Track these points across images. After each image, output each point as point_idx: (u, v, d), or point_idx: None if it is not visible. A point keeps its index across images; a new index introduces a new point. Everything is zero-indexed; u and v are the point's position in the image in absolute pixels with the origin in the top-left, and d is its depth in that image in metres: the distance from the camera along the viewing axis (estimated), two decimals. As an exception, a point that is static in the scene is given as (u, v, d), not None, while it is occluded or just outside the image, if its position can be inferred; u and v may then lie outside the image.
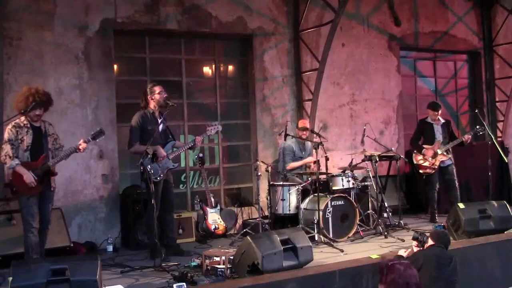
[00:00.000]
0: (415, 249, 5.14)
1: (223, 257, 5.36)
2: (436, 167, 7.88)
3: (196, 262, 5.72)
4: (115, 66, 7.53)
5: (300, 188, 7.05)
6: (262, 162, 7.51)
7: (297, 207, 6.99)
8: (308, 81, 8.57)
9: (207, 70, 8.42)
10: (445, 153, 7.91)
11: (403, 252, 5.31)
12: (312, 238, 6.32)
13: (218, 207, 7.24)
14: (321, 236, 6.61)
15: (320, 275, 5.13)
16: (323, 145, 6.96)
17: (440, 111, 8.13)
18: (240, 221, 7.88)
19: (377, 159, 7.57)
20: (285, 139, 7.67)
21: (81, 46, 7.13)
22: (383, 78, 9.46)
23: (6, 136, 5.36)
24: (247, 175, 8.45)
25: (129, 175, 7.58)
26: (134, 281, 5.33)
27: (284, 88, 8.57)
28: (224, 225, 7.19)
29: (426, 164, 7.90)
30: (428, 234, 5.20)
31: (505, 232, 6.56)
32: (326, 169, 7.21)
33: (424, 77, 10.41)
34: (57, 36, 6.98)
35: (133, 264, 5.95)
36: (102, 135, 5.72)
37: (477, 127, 8.01)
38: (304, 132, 7.68)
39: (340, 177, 7.16)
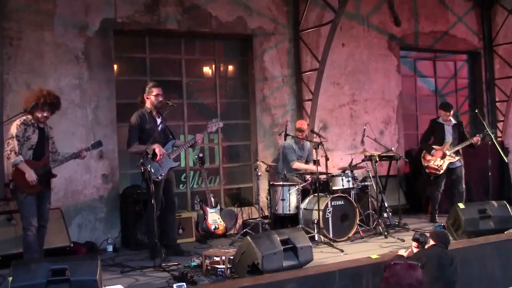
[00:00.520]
0: (415, 250, 5.15)
1: (223, 257, 5.36)
2: (443, 170, 7.84)
3: (196, 262, 5.72)
4: (115, 66, 7.53)
5: (300, 188, 7.05)
6: (262, 162, 7.51)
7: (297, 207, 6.99)
8: (308, 81, 8.57)
9: (207, 70, 8.42)
10: (453, 155, 7.87)
11: (403, 252, 5.32)
12: (312, 238, 6.32)
13: (218, 207, 7.24)
14: (321, 236, 6.61)
15: (320, 275, 5.13)
16: (323, 145, 6.95)
17: (452, 112, 8.09)
18: (240, 221, 7.88)
19: (377, 159, 7.57)
20: (285, 139, 7.67)
21: (81, 46, 7.13)
22: (383, 78, 9.46)
23: (14, 131, 5.37)
24: (247, 175, 8.45)
25: (129, 175, 7.58)
26: (134, 281, 5.33)
27: (284, 88, 8.57)
28: (224, 225, 7.19)
29: (434, 166, 7.85)
30: (428, 235, 5.21)
31: (505, 232, 6.57)
32: (326, 169, 7.21)
33: (424, 77, 10.41)
34: (57, 36, 6.98)
35: (133, 264, 5.95)
36: (99, 147, 5.95)
37: (486, 130, 7.90)
38: (300, 133, 7.68)
39: (340, 177, 7.16)
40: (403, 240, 6.55)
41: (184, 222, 7.26)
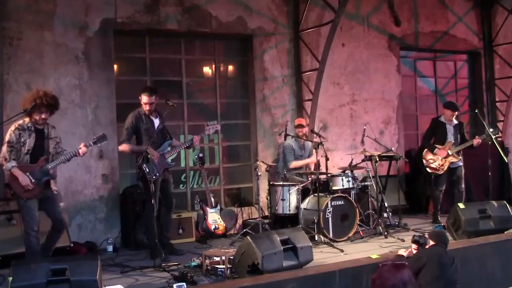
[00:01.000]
0: (414, 252, 5.15)
1: (223, 257, 5.36)
2: (445, 169, 7.83)
3: (196, 262, 5.72)
4: (115, 66, 7.53)
5: (300, 188, 7.05)
6: (262, 162, 7.51)
7: (297, 207, 6.99)
8: (308, 81, 8.57)
9: (207, 70, 8.42)
10: (455, 155, 7.86)
11: (403, 252, 5.33)
12: (312, 238, 6.32)
13: (218, 207, 7.24)
14: (321, 236, 6.60)
15: (320, 275, 5.13)
16: (323, 145, 6.96)
17: (457, 112, 8.06)
18: (240, 221, 7.88)
19: (377, 159, 7.57)
20: (285, 139, 7.69)
21: (81, 46, 7.13)
22: (383, 78, 9.46)
23: (7, 137, 5.30)
24: (247, 175, 8.45)
25: (129, 175, 7.58)
26: (134, 281, 5.33)
27: (284, 88, 8.57)
28: (224, 225, 7.19)
29: (435, 165, 7.84)
30: (427, 235, 5.21)
31: (505, 232, 6.57)
32: (326, 169, 7.21)
33: (424, 77, 10.41)
34: (57, 36, 6.98)
35: (133, 264, 5.95)
36: (104, 140, 5.64)
37: (491, 130, 7.86)
38: (300, 129, 7.68)
39: (340, 177, 7.16)
40: (403, 240, 6.55)
41: (184, 222, 7.26)
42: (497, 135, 7.89)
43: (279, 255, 5.10)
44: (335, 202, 6.85)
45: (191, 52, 8.24)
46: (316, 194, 6.76)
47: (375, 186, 7.60)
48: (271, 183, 7.25)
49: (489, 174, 7.80)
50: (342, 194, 7.00)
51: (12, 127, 5.33)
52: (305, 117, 8.44)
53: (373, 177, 7.58)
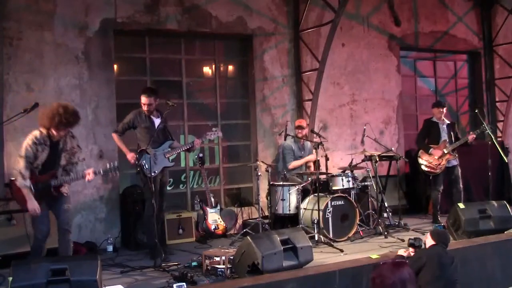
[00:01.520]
0: (412, 254, 5.15)
1: (223, 257, 5.36)
2: (442, 167, 7.83)
3: (196, 262, 5.72)
4: (115, 66, 7.53)
5: (300, 188, 7.05)
6: (262, 162, 7.51)
7: (297, 207, 6.99)
8: (308, 81, 8.57)
9: (207, 70, 8.42)
10: (451, 153, 7.86)
11: (403, 252, 5.32)
12: (312, 238, 6.32)
13: (218, 207, 7.24)
14: (321, 236, 6.60)
15: (320, 275, 5.13)
16: (323, 145, 6.96)
17: (445, 109, 8.10)
18: (240, 221, 7.89)
19: (377, 159, 7.57)
20: (285, 139, 7.70)
21: (81, 46, 7.13)
22: (383, 78, 9.46)
23: (24, 151, 5.08)
24: (247, 175, 8.44)
25: (129, 175, 7.57)
26: (134, 281, 5.33)
27: (284, 88, 8.57)
28: (224, 225, 7.19)
29: (432, 164, 7.84)
30: (423, 237, 5.21)
31: (505, 232, 6.56)
32: (326, 169, 7.21)
33: (424, 77, 10.41)
34: (57, 36, 6.98)
35: (133, 264, 5.95)
36: (115, 172, 5.48)
37: (482, 125, 7.91)
38: (299, 131, 7.68)
39: (340, 177, 7.16)
40: (403, 240, 6.54)
41: (184, 222, 7.27)
42: (487, 131, 7.85)
43: (279, 255, 5.10)
44: (335, 202, 6.85)
45: (191, 52, 8.24)
46: (316, 194, 6.75)
47: (375, 186, 7.59)
48: (271, 183, 7.25)
49: (489, 174, 7.81)
50: (342, 194, 7.00)
51: (29, 140, 5.12)
52: (305, 117, 8.44)
53: (373, 177, 7.58)
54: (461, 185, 7.94)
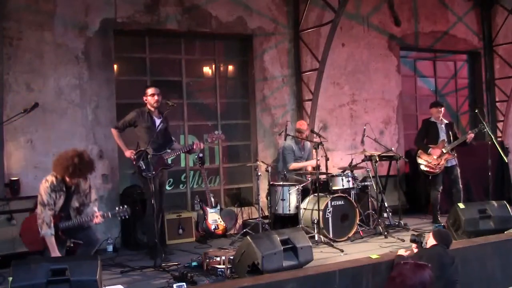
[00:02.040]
0: (415, 250, 5.15)
1: (223, 257, 5.37)
2: (441, 167, 7.82)
3: (196, 262, 5.72)
4: (115, 66, 7.53)
5: (300, 188, 7.04)
6: (262, 162, 7.51)
7: (297, 207, 6.99)
8: (308, 81, 8.57)
9: (207, 70, 8.42)
10: (450, 152, 7.86)
11: (403, 252, 5.32)
12: (312, 238, 6.32)
13: (218, 207, 7.24)
14: (321, 236, 6.61)
15: (320, 275, 5.13)
16: (323, 145, 6.95)
17: (443, 108, 8.11)
18: (240, 221, 7.88)
19: (377, 159, 7.57)
20: (285, 139, 7.69)
21: (81, 46, 7.13)
22: (383, 78, 9.46)
23: (44, 199, 5.08)
24: (247, 175, 8.44)
25: (129, 175, 7.57)
26: (134, 281, 5.33)
27: (284, 88, 8.57)
28: (224, 225, 7.18)
29: (431, 164, 7.83)
30: (426, 235, 5.20)
31: (505, 232, 6.56)
32: (326, 169, 7.21)
33: (424, 77, 10.41)
34: (57, 36, 6.98)
35: (133, 264, 5.96)
36: (124, 215, 5.42)
37: (481, 124, 7.91)
38: (299, 134, 7.69)
39: (340, 177, 7.16)
40: (403, 240, 6.55)
41: (184, 222, 7.27)
42: (485, 130, 7.84)
43: (279, 255, 5.10)
44: (335, 202, 6.86)
45: (191, 52, 8.24)
46: (316, 194, 6.76)
47: (375, 186, 7.60)
48: (271, 183, 7.25)
49: (489, 174, 7.80)
50: (342, 194, 7.00)
51: (45, 187, 5.10)
52: (305, 117, 8.44)
53: (373, 177, 7.58)
54: (460, 185, 7.94)
